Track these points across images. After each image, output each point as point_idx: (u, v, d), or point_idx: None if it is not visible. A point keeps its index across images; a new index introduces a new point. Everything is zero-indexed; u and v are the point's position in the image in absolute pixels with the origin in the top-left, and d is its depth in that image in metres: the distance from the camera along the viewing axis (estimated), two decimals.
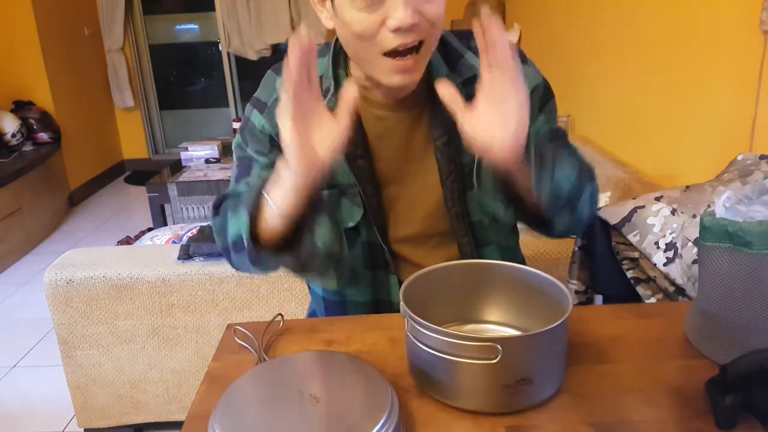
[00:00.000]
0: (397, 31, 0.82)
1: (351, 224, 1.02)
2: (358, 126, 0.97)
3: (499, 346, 0.68)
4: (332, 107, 0.87)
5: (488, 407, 0.73)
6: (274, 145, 0.97)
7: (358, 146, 0.97)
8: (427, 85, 0.96)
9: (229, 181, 1.06)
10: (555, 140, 0.97)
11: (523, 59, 0.99)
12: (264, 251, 0.86)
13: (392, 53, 0.85)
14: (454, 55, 0.98)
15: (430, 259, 1.02)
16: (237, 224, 0.87)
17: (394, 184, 1.02)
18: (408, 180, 1.02)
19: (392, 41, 0.83)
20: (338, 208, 1.01)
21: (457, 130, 0.93)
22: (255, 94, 1.02)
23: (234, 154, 1.06)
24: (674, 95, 1.93)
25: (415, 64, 0.86)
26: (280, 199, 0.81)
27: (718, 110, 1.69)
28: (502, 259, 0.93)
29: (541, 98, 1.00)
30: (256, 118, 0.99)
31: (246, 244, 0.84)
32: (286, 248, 0.86)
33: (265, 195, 0.82)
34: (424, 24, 0.84)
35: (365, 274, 1.05)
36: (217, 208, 0.97)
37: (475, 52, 0.96)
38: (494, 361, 0.69)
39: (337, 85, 0.96)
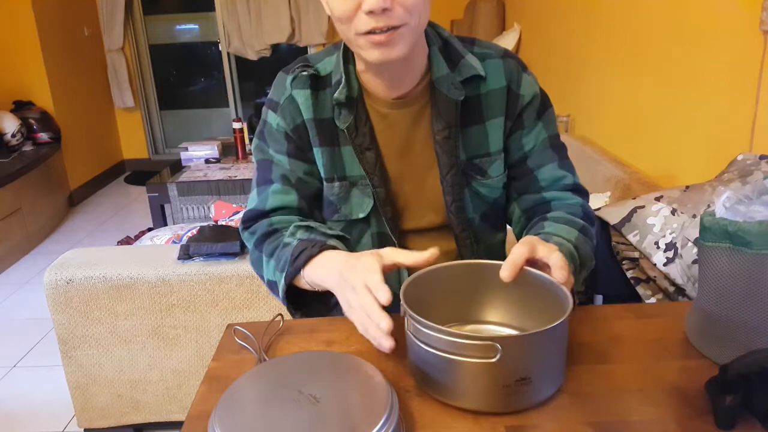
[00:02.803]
0: (371, 14, 0.86)
1: (362, 215, 1.06)
2: (365, 118, 1.01)
3: (498, 346, 0.68)
4: (341, 99, 0.98)
5: (488, 407, 0.73)
6: (289, 141, 1.04)
7: (366, 137, 1.01)
8: (428, 83, 1.01)
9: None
10: (553, 147, 1.06)
11: (524, 68, 1.04)
12: (297, 312, 1.01)
13: (368, 33, 0.88)
14: (455, 56, 1.01)
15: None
16: (274, 277, 0.99)
17: (399, 178, 1.06)
18: (411, 175, 1.05)
19: (366, 24, 0.87)
20: (349, 200, 1.06)
21: (458, 125, 0.97)
22: (269, 96, 1.08)
23: (254, 158, 1.12)
24: (674, 95, 1.93)
25: (391, 39, 0.88)
26: (313, 283, 0.93)
27: (718, 110, 1.69)
28: (489, 256, 0.95)
29: (540, 106, 1.05)
30: (272, 118, 1.05)
31: (283, 302, 0.98)
32: (315, 305, 1.02)
33: (302, 275, 0.93)
34: (399, 10, 0.87)
35: None
36: (246, 223, 1.08)
37: (477, 55, 1.02)
38: (494, 361, 0.69)
39: (347, 78, 1.00)
